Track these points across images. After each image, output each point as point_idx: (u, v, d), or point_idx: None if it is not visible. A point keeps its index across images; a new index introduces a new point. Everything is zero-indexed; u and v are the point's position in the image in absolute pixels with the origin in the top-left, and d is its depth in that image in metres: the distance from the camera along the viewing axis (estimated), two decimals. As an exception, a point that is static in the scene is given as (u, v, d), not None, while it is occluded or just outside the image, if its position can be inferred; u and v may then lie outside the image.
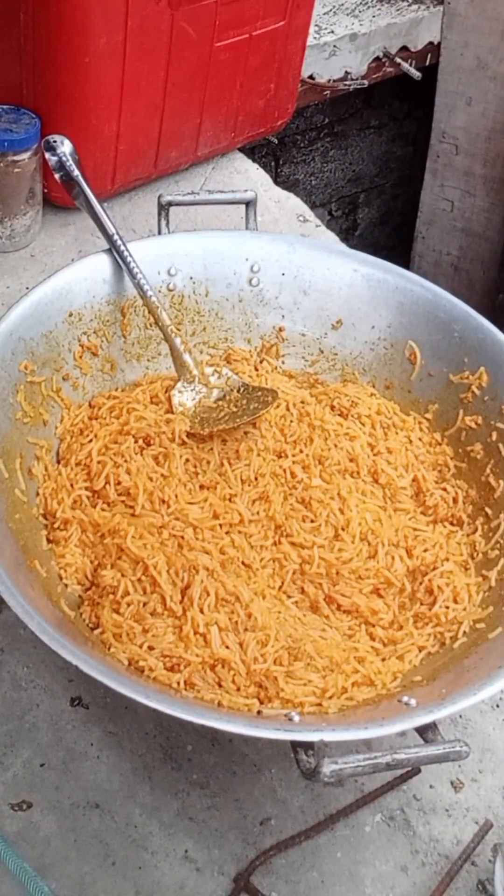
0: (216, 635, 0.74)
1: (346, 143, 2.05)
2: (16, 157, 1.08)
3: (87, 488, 0.84)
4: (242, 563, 0.82)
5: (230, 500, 0.85)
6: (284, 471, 0.88)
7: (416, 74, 1.87)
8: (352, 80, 1.79)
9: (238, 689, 0.73)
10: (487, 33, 1.86)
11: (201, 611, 0.75)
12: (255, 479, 0.87)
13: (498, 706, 0.86)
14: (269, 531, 0.84)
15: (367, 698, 0.75)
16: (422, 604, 0.82)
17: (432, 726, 0.68)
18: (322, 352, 1.00)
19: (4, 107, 1.10)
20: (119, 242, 0.92)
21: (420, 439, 0.94)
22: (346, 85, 1.78)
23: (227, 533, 0.83)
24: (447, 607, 0.81)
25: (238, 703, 0.72)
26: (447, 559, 0.84)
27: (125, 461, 0.85)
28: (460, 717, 0.84)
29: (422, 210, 2.11)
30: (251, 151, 1.65)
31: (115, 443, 0.86)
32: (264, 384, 0.95)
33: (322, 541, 0.84)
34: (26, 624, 0.65)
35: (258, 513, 0.85)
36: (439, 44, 1.91)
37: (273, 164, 1.90)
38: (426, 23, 1.88)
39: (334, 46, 1.73)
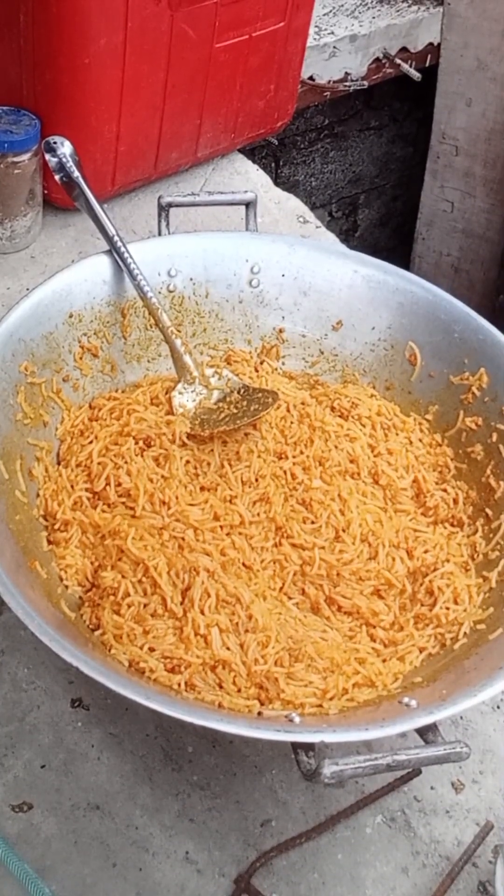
0: (217, 637, 0.74)
1: (346, 144, 2.05)
2: (16, 159, 1.08)
3: (87, 490, 0.84)
4: (243, 564, 0.82)
5: (231, 501, 0.85)
6: (285, 472, 0.88)
7: (416, 75, 1.87)
8: (352, 81, 1.79)
9: (239, 691, 0.73)
10: (487, 34, 1.86)
11: (202, 612, 0.75)
12: (256, 480, 0.87)
13: (499, 707, 0.86)
14: (270, 532, 0.84)
15: (367, 699, 0.75)
16: (422, 605, 0.82)
17: (433, 727, 0.68)
18: (322, 353, 1.00)
19: (4, 108, 1.10)
20: (119, 244, 0.92)
21: (420, 440, 0.94)
22: (346, 86, 1.78)
23: (227, 534, 0.83)
24: (448, 608, 0.81)
25: (239, 704, 0.72)
26: (448, 560, 0.84)
27: (125, 462, 0.85)
28: (461, 718, 0.84)
29: (422, 211, 2.11)
30: (251, 152, 1.65)
31: (116, 444, 0.86)
32: (265, 385, 0.95)
33: (323, 542, 0.84)
34: (27, 625, 0.65)
35: (259, 514, 0.85)
36: (439, 45, 1.91)
37: (273, 165, 1.90)
38: (426, 24, 1.88)
39: (334, 47, 1.73)
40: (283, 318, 1.00)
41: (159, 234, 1.00)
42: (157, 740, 0.79)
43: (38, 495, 0.83)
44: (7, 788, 0.75)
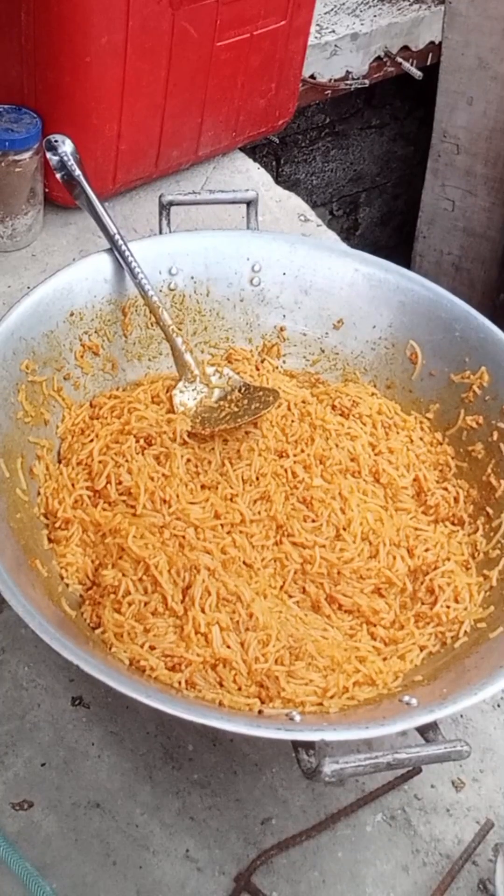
0: (217, 635, 0.74)
1: (348, 142, 2.05)
2: (17, 157, 1.08)
3: (88, 488, 0.84)
4: (244, 562, 0.82)
5: (231, 499, 0.85)
6: (286, 470, 0.88)
7: (418, 74, 1.87)
8: (353, 79, 1.79)
9: (239, 689, 0.73)
10: (488, 33, 1.86)
11: (202, 610, 0.75)
12: (257, 478, 0.87)
13: (499, 706, 0.86)
14: (271, 531, 0.84)
15: (368, 698, 0.75)
16: (423, 603, 0.82)
17: (433, 726, 0.68)
18: (323, 351, 1.00)
19: (5, 106, 1.10)
20: (120, 242, 0.92)
21: (421, 439, 0.94)
22: (347, 84, 1.78)
23: (228, 533, 0.83)
24: (448, 607, 0.81)
25: (239, 702, 0.72)
26: (448, 559, 0.84)
27: (126, 461, 0.85)
28: (461, 716, 0.84)
29: (423, 210, 2.11)
30: (252, 151, 1.65)
31: (117, 442, 0.86)
32: (265, 384, 0.95)
33: (323, 540, 0.84)
34: (27, 623, 0.66)
35: (259, 512, 0.85)
36: (440, 43, 1.91)
37: (274, 163, 1.90)
38: (427, 22, 1.88)
39: (335, 46, 1.73)
40: (284, 316, 1.00)
41: (160, 232, 1.00)
42: (157, 738, 0.79)
43: (38, 493, 0.83)
44: (7, 786, 0.75)
